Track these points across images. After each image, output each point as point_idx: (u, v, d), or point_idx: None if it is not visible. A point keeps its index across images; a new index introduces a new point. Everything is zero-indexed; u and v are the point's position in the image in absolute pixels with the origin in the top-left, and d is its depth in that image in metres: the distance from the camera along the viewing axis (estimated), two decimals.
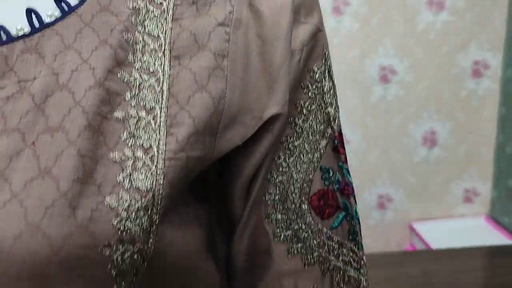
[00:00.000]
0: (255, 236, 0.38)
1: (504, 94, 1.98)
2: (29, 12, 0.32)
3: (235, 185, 0.37)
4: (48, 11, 0.32)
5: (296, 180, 0.38)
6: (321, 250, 0.38)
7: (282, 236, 0.38)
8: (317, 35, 0.37)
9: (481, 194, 2.08)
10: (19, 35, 0.31)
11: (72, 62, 0.31)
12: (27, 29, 0.32)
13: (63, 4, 0.32)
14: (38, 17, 0.32)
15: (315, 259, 0.38)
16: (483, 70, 1.99)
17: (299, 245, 0.38)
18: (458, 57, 1.96)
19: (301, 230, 0.38)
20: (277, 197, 0.38)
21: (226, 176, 0.37)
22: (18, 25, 0.32)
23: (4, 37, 0.31)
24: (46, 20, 0.32)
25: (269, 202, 0.37)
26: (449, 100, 1.97)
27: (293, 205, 0.38)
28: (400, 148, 1.98)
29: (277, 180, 0.37)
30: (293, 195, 0.38)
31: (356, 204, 0.39)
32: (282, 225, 0.38)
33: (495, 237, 1.87)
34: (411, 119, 1.97)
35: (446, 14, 1.92)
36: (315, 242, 0.38)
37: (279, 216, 0.38)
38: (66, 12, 0.32)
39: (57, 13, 0.32)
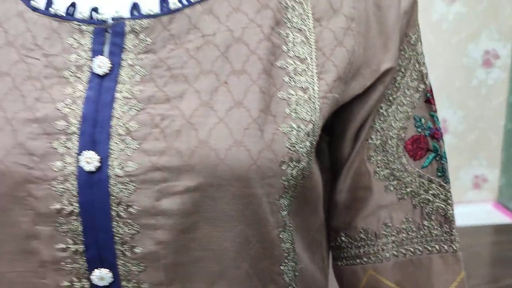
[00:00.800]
0: (358, 174, 0.47)
1: None
2: None
3: (349, 130, 0.46)
4: None
5: (394, 127, 0.47)
6: (413, 186, 0.48)
7: (381, 175, 0.47)
8: (414, 6, 0.46)
9: (490, 181, 2.19)
10: (196, 0, 0.40)
11: (241, 21, 0.40)
12: None
13: None
14: None
15: (407, 194, 0.48)
16: (493, 60, 2.10)
17: (394, 182, 0.47)
18: (470, 47, 2.06)
19: (397, 170, 0.47)
20: (378, 141, 0.47)
21: (342, 124, 0.46)
22: None
23: (184, 1, 0.40)
24: None
25: (371, 146, 0.47)
26: (460, 89, 2.07)
27: (391, 148, 0.47)
28: None
29: (379, 127, 0.46)
30: (391, 140, 0.47)
31: (444, 145, 0.49)
32: (382, 165, 0.47)
33: (503, 222, 1.98)
34: None
35: (459, 5, 2.02)
36: (408, 179, 0.48)
37: (379, 158, 0.47)
38: None
39: None
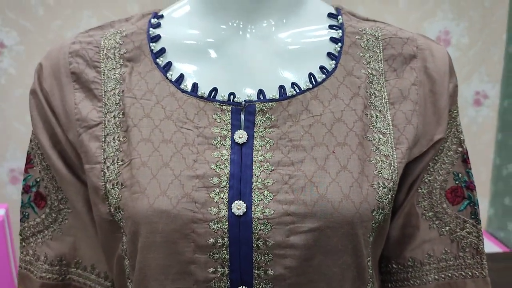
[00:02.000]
0: (408, 215, 0.62)
1: (501, 121, 2.28)
2: (309, 74, 0.56)
3: (406, 182, 0.60)
4: (318, 74, 0.56)
5: (437, 180, 0.62)
6: (451, 225, 0.62)
7: (426, 216, 0.62)
8: (456, 89, 0.62)
9: (480, 211, 2.35)
10: (306, 88, 0.55)
11: (340, 105, 0.55)
12: (310, 85, 0.56)
13: (324, 70, 0.57)
14: (314, 78, 0.56)
15: (447, 231, 0.62)
16: (483, 99, 2.29)
17: (437, 222, 0.62)
18: (461, 87, 2.25)
19: (439, 212, 0.62)
20: (425, 190, 0.61)
21: (401, 177, 0.60)
22: (303, 82, 0.56)
23: (297, 90, 0.55)
24: (318, 80, 0.56)
25: (420, 194, 0.61)
26: None
27: (435, 196, 0.62)
28: None
29: (426, 180, 0.61)
30: (435, 190, 0.62)
31: (476, 195, 0.64)
32: (428, 208, 0.62)
33: (491, 250, 2.14)
34: None
35: (452, 49, 2.21)
36: (447, 220, 0.62)
37: (425, 203, 0.62)
38: (327, 75, 0.56)
39: (321, 75, 0.56)
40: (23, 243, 0.65)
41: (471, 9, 2.23)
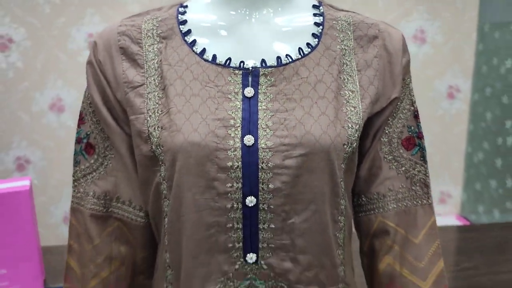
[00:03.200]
0: (373, 159, 0.84)
1: (472, 113, 2.53)
2: (298, 48, 0.78)
3: (370, 132, 0.83)
4: (305, 48, 0.79)
5: (395, 131, 0.84)
6: (406, 166, 0.85)
7: (387, 159, 0.84)
8: (408, 63, 0.84)
9: (453, 196, 2.59)
10: (296, 58, 0.77)
11: (321, 70, 0.77)
12: (299, 56, 0.78)
13: (310, 46, 0.79)
14: (302, 51, 0.78)
15: (402, 171, 0.84)
16: (455, 93, 2.53)
17: (395, 163, 0.84)
18: (436, 82, 2.50)
19: (397, 156, 0.84)
20: (386, 139, 0.84)
21: (366, 129, 0.82)
22: (294, 54, 0.78)
23: (289, 59, 0.77)
24: (305, 52, 0.78)
25: (382, 142, 0.84)
26: (428, 118, 2.49)
27: (393, 144, 0.84)
28: None
29: (387, 131, 0.84)
30: (394, 139, 0.84)
31: (424, 142, 0.86)
32: (388, 153, 0.84)
33: None
34: None
35: (427, 47, 2.45)
36: (403, 162, 0.85)
37: (386, 149, 0.84)
38: (312, 49, 0.79)
39: (307, 49, 0.79)
40: (75, 183, 0.86)
41: (445, 10, 2.48)
